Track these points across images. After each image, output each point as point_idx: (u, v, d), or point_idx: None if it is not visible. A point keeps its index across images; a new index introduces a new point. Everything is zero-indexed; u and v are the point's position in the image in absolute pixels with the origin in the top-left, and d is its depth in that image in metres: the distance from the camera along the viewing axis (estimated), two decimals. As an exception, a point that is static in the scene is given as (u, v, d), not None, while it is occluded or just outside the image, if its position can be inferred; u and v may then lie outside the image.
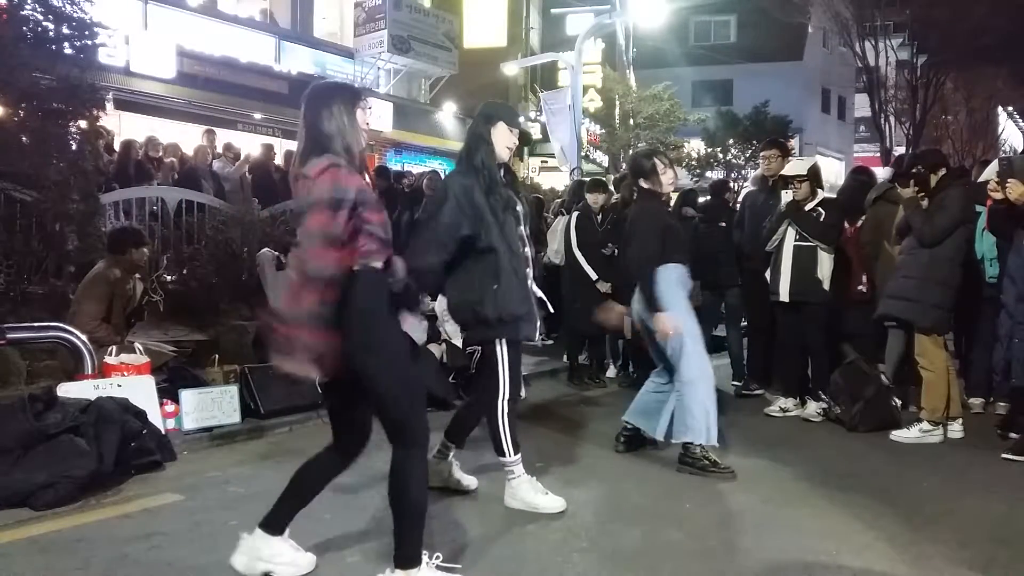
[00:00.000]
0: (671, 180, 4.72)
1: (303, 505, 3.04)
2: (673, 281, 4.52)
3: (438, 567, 2.93)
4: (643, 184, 4.71)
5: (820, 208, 5.70)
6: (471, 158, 3.78)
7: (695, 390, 4.41)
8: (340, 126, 2.80)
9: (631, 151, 18.34)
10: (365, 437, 2.98)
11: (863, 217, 6.21)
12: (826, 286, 5.64)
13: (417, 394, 2.90)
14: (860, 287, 6.02)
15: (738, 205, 7.48)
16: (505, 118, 3.85)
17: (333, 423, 3.01)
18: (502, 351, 3.80)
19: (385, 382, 2.77)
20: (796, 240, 5.69)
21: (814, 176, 5.76)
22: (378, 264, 2.76)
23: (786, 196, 5.85)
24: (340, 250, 2.65)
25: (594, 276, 6.90)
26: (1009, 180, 4.76)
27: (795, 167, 5.93)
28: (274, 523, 3.00)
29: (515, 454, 3.87)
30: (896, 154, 23.05)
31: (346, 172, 2.71)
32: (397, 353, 2.79)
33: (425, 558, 2.88)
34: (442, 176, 9.30)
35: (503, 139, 3.81)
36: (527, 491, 3.85)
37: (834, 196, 6.34)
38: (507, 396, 3.84)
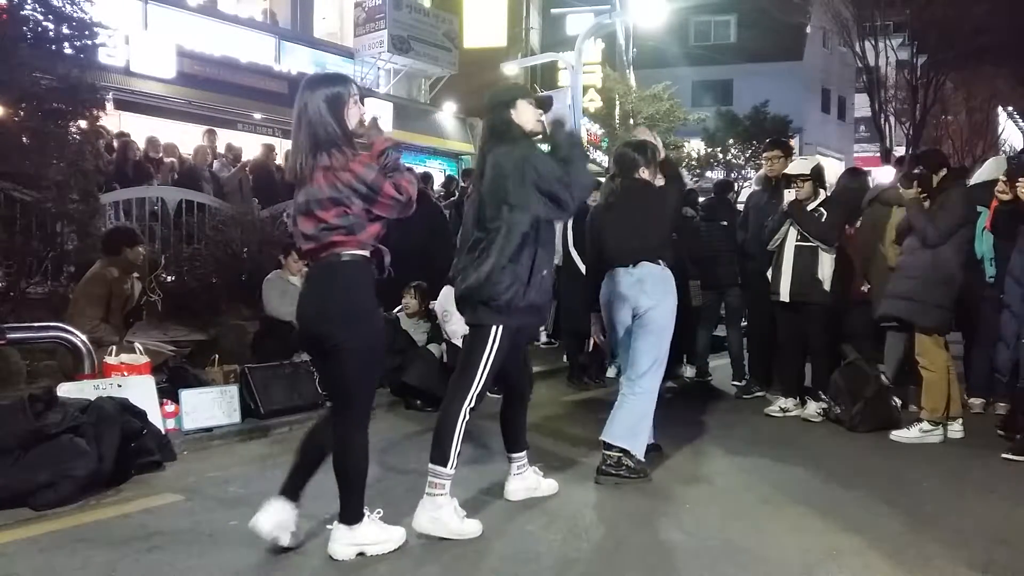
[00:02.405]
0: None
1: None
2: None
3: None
4: (643, 175, 4.48)
5: (822, 208, 5.70)
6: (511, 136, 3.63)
7: (652, 401, 4.27)
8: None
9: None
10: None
11: (860, 218, 6.21)
12: (827, 286, 5.62)
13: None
14: (862, 288, 6.01)
15: (740, 205, 7.47)
16: (521, 95, 3.75)
17: None
18: (495, 339, 3.51)
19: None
20: (797, 240, 5.68)
21: (817, 176, 5.75)
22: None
23: (788, 195, 5.84)
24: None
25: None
26: (1020, 179, 4.77)
27: (798, 166, 5.91)
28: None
29: (453, 468, 3.47)
30: (896, 154, 23.07)
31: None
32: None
33: (367, 512, 3.22)
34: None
35: (528, 115, 3.70)
36: (450, 515, 3.43)
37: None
38: (476, 397, 3.53)
